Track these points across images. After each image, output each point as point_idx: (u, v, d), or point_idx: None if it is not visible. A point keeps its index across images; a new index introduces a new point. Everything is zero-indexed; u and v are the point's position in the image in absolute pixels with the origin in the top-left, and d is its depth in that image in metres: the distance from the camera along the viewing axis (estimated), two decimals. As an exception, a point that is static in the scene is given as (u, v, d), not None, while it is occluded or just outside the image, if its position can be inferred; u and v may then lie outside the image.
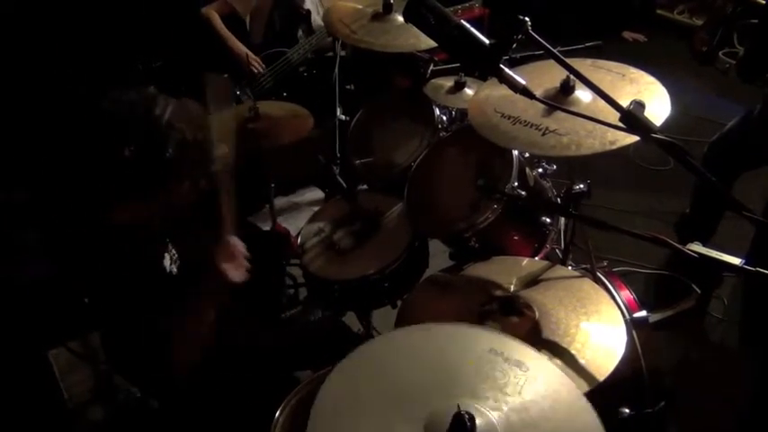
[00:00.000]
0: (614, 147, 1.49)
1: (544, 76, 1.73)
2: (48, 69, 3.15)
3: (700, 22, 4.48)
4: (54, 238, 2.63)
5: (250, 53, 3.33)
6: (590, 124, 1.51)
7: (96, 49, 3.22)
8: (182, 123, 1.53)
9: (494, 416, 1.07)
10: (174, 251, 1.75)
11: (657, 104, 1.58)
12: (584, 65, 1.73)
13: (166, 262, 1.70)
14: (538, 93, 1.28)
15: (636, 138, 1.28)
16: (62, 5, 3.20)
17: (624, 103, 1.19)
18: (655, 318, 1.88)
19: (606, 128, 1.38)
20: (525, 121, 1.64)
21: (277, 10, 3.47)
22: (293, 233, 2.32)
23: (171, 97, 1.56)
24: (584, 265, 1.96)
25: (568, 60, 1.23)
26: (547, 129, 1.60)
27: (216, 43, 3.33)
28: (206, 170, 1.62)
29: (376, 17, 2.35)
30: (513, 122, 1.66)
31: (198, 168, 1.59)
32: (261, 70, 3.37)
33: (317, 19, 3.55)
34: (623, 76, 1.69)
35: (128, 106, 1.50)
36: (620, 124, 1.18)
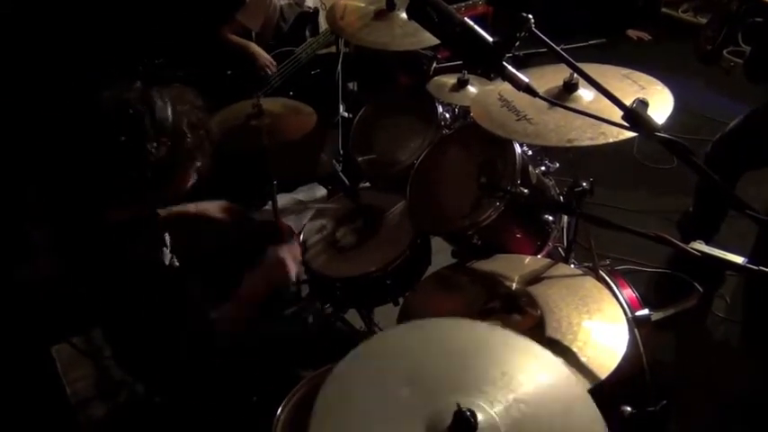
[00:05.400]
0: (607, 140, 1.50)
1: (548, 76, 1.73)
2: (51, 69, 3.16)
3: (704, 21, 4.46)
4: (58, 235, 2.63)
5: (264, 54, 3.33)
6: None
7: (99, 48, 3.23)
8: (184, 108, 1.57)
9: (494, 411, 1.06)
10: (170, 245, 1.76)
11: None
12: (617, 74, 1.73)
13: (166, 256, 1.71)
14: (541, 90, 1.28)
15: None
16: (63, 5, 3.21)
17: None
18: (657, 316, 1.88)
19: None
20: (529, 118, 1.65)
21: (286, 15, 3.48)
22: (296, 230, 2.32)
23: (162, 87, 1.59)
24: (586, 264, 1.96)
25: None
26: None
27: (226, 45, 3.33)
28: (206, 150, 1.65)
29: (379, 15, 2.35)
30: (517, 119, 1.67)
31: (200, 149, 1.62)
32: (273, 71, 3.38)
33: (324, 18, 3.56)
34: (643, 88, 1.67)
35: (129, 102, 1.52)
36: (624, 122, 1.18)
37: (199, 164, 1.65)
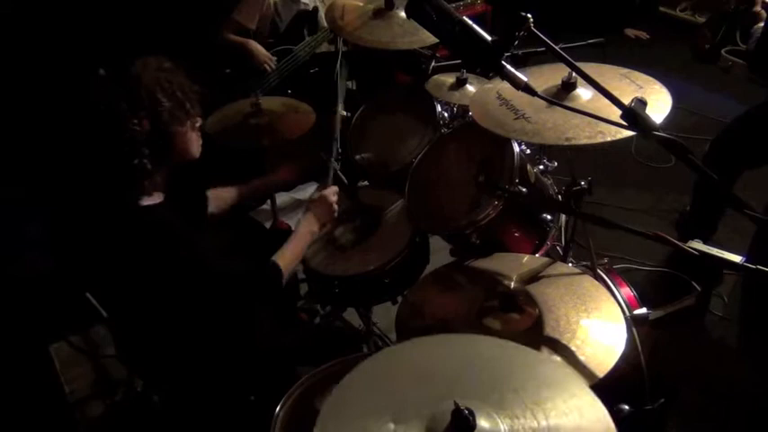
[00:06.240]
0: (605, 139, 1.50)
1: (547, 75, 1.73)
2: (49, 70, 3.15)
3: (702, 20, 4.47)
4: (56, 231, 2.63)
5: (263, 50, 3.33)
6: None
7: (98, 47, 3.22)
8: (152, 76, 1.59)
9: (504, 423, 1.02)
10: None
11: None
12: (615, 73, 1.73)
13: None
14: (540, 89, 1.28)
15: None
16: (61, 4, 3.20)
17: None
18: (655, 315, 1.88)
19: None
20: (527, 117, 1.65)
21: (281, 12, 3.47)
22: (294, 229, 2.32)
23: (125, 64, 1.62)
24: (584, 263, 1.96)
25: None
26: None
27: (225, 44, 3.33)
28: (190, 109, 1.67)
29: (377, 14, 2.35)
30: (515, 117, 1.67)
31: (182, 108, 1.64)
32: (272, 67, 3.38)
33: (322, 17, 3.54)
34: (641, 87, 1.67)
35: (99, 93, 1.56)
36: (622, 121, 1.19)
37: (191, 121, 1.67)
